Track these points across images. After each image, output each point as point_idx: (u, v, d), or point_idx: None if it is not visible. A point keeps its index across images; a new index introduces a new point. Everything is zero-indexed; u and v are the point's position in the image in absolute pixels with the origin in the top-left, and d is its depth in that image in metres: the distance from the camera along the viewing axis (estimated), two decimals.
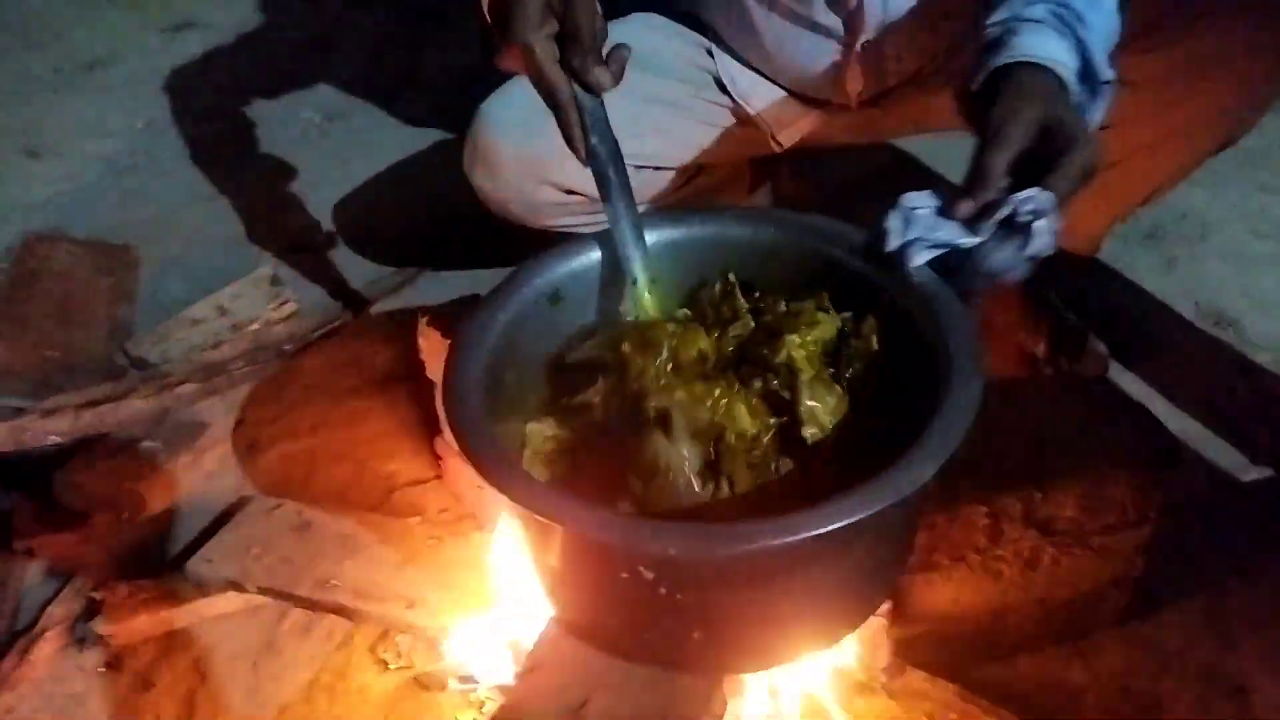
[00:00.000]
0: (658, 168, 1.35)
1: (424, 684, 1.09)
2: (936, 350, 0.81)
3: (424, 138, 2.01)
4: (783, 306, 0.90)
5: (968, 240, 0.82)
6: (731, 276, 0.94)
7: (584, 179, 1.27)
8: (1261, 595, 1.18)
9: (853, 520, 0.68)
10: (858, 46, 1.22)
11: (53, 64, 2.35)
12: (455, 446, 0.77)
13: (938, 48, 1.23)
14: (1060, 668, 1.12)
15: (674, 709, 0.83)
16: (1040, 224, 0.80)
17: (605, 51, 0.88)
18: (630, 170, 1.30)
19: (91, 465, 1.28)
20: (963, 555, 1.02)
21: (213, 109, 2.13)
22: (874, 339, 0.86)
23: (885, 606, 0.99)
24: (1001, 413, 1.06)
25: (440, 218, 1.75)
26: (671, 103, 1.31)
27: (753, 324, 0.90)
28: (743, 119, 1.35)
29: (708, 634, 0.78)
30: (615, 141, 0.90)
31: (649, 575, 0.72)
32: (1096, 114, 0.92)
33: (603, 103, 0.89)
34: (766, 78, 1.31)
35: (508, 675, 1.01)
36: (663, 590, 0.74)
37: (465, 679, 1.07)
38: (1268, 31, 1.11)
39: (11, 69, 2.34)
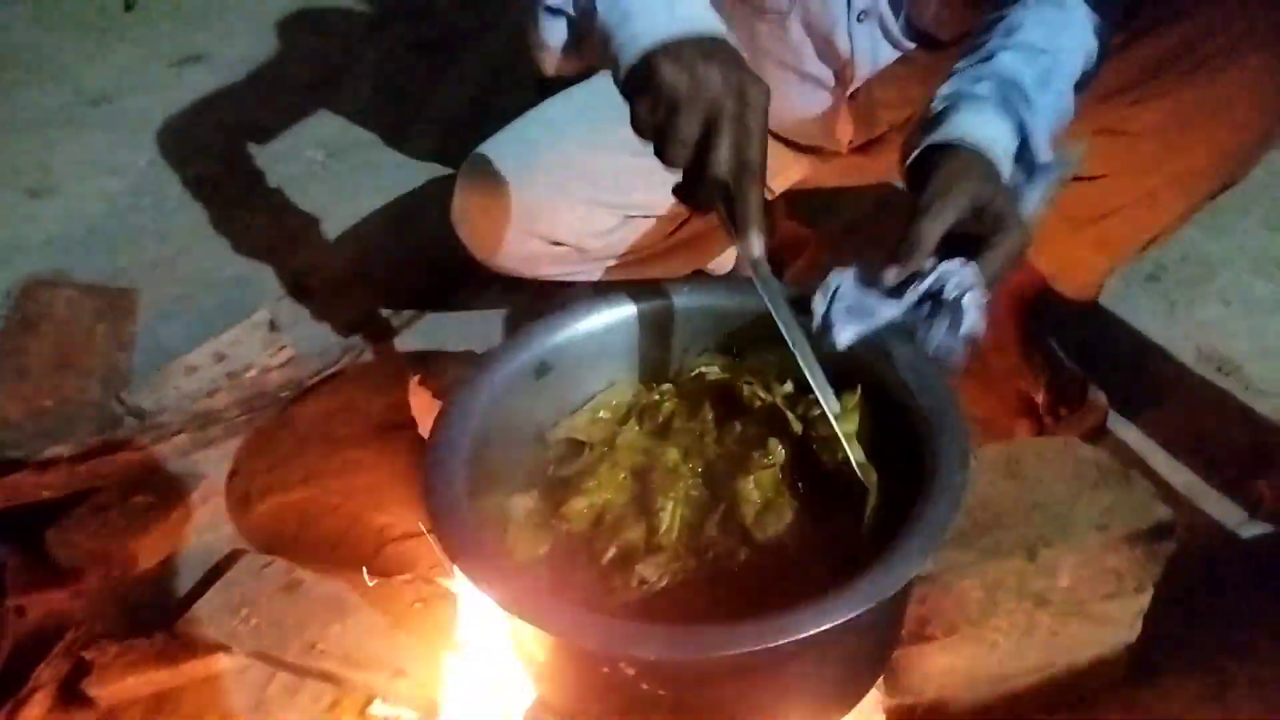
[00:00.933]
0: (647, 215, 1.34)
1: None
2: (922, 430, 0.80)
3: (429, 173, 2.02)
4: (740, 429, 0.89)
5: (891, 311, 0.82)
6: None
7: (571, 231, 1.29)
8: (1262, 658, 1.16)
9: (835, 624, 0.67)
10: (847, 96, 1.22)
11: (59, 99, 2.36)
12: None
13: (929, 97, 1.23)
14: None
15: None
16: (968, 299, 0.80)
17: None
18: (623, 220, 1.31)
19: (83, 520, 1.29)
20: (956, 627, 1.00)
21: (217, 146, 2.14)
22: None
23: (879, 680, 0.98)
24: (994, 479, 1.05)
25: (444, 256, 1.74)
26: None
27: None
28: None
29: None
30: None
31: (630, 671, 0.71)
32: (1034, 194, 0.91)
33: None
34: None
35: None
36: (645, 686, 0.73)
37: None
38: (1268, 76, 1.10)
39: (18, 104, 2.35)
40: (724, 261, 1.53)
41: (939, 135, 0.89)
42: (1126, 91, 1.14)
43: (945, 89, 0.94)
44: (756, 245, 0.82)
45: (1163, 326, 1.63)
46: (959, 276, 0.81)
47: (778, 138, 1.31)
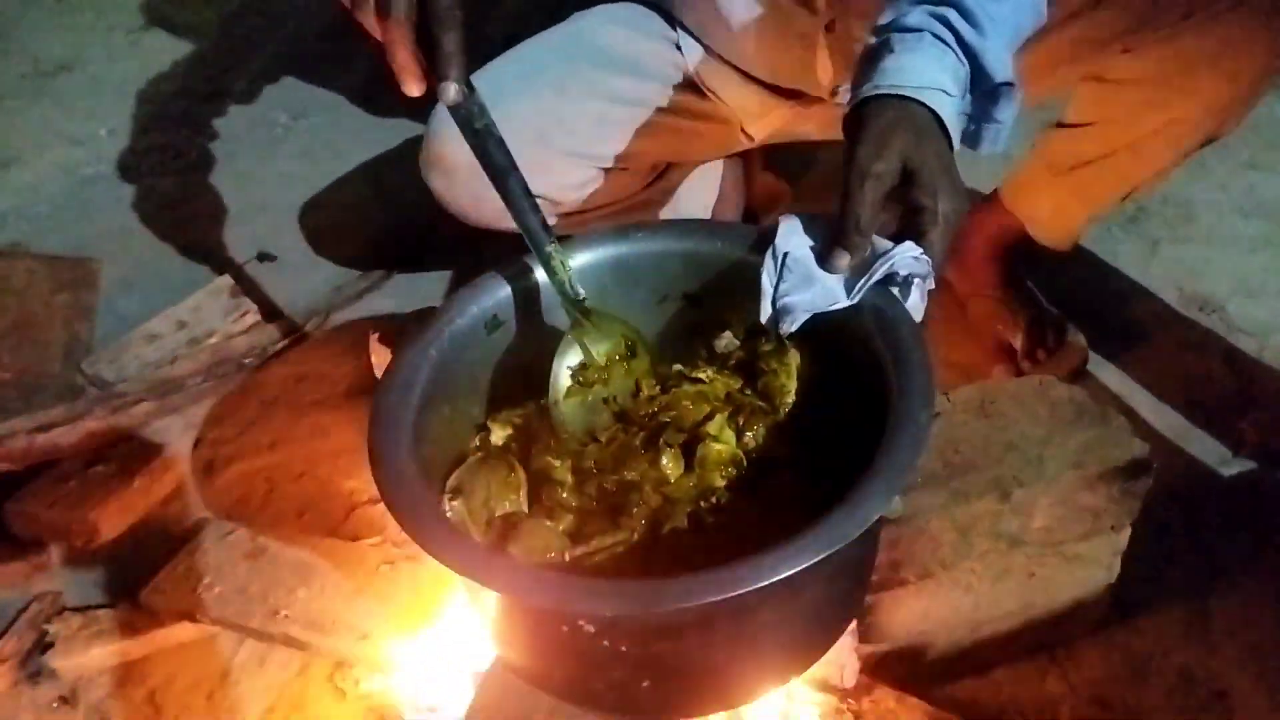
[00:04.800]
0: (625, 169, 1.31)
1: (381, 713, 1.06)
2: (886, 371, 0.77)
3: (395, 134, 1.97)
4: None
5: (841, 304, 0.79)
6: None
7: (545, 183, 1.24)
8: (1242, 596, 1.15)
9: (798, 569, 0.64)
10: (824, 28, 1.17)
11: (17, 70, 2.31)
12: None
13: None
14: (1035, 678, 1.09)
15: None
16: (915, 286, 0.78)
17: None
18: (598, 171, 1.28)
19: (42, 492, 1.26)
20: (930, 571, 0.98)
21: (178, 112, 2.09)
22: (790, 373, 0.83)
23: (852, 626, 0.96)
24: (967, 420, 1.02)
25: (412, 217, 1.71)
26: (640, 102, 1.27)
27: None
28: (712, 115, 1.30)
29: (657, 682, 0.75)
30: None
31: (590, 629, 0.69)
32: (1005, 114, 0.86)
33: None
34: (738, 70, 1.27)
35: (464, 705, 0.99)
36: (606, 643, 0.70)
37: (423, 709, 1.04)
38: (1258, 29, 1.07)
39: None
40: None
41: (868, 87, 0.83)
42: (1117, 39, 1.10)
43: (882, 19, 0.87)
44: (451, 92, 0.71)
45: (1144, 267, 1.61)
46: (909, 268, 0.78)
47: (757, 81, 1.27)
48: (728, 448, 0.81)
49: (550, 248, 0.82)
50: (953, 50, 0.83)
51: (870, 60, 0.85)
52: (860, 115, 0.82)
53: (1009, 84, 0.85)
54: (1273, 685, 1.07)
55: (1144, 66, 1.10)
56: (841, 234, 0.79)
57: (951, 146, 0.82)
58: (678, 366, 0.89)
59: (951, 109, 0.82)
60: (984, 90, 0.86)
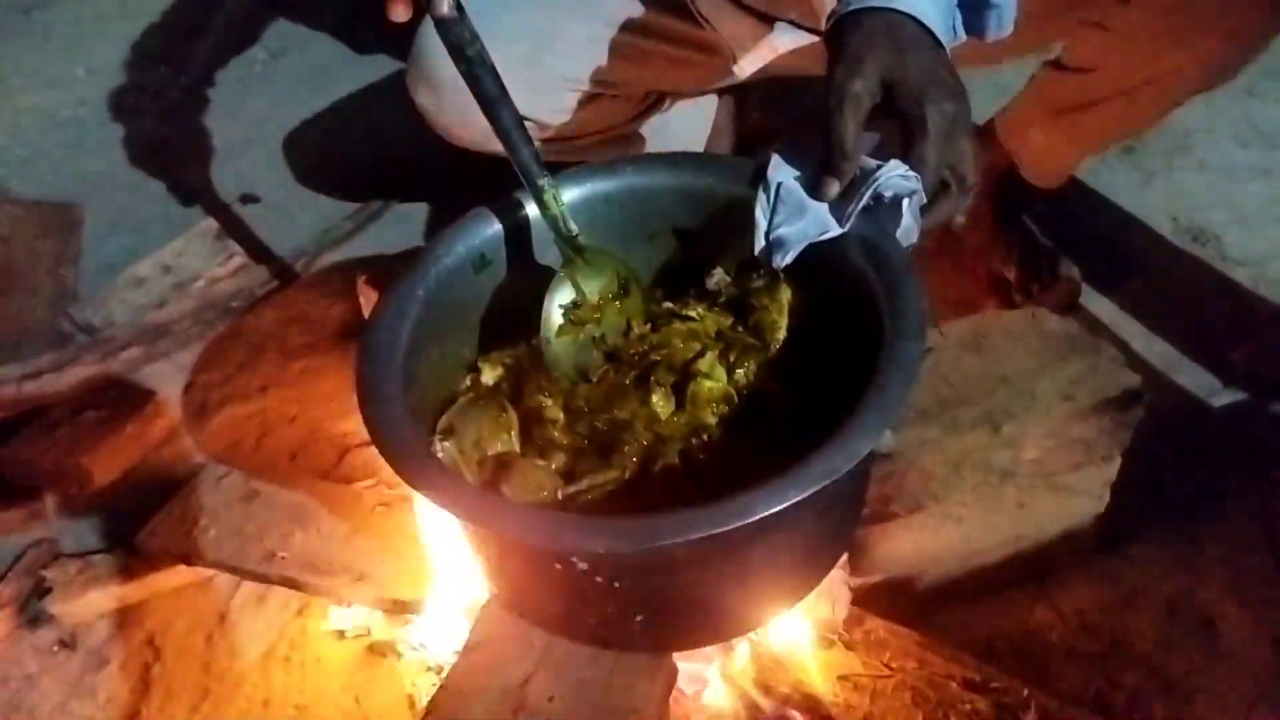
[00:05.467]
0: (613, 95, 1.28)
1: (380, 652, 1.08)
2: (878, 305, 0.77)
3: (378, 68, 1.93)
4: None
5: (832, 231, 0.78)
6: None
7: (532, 105, 1.21)
8: (1231, 526, 1.16)
9: (790, 503, 0.64)
10: None
11: None
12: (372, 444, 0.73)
13: None
14: (1024, 608, 1.11)
15: (619, 682, 0.81)
16: (905, 206, 0.77)
17: None
18: (585, 97, 1.25)
19: (34, 439, 1.26)
20: (921, 504, 0.99)
21: (156, 51, 2.04)
22: (782, 309, 0.82)
23: (844, 559, 0.97)
24: (958, 354, 1.02)
25: (398, 150, 1.68)
26: (630, 26, 1.24)
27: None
28: (705, 46, 1.27)
29: (650, 617, 0.76)
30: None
31: (583, 566, 0.69)
32: (1005, 19, 0.84)
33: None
34: None
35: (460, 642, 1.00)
36: (599, 579, 0.71)
37: (420, 646, 1.06)
38: None
39: None
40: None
41: (845, 3, 0.80)
42: None
43: None
44: (444, 4, 0.73)
45: (1139, 198, 1.59)
46: (895, 188, 0.76)
47: (750, 9, 1.24)
48: (719, 385, 0.81)
49: (543, 181, 0.81)
50: None
51: None
52: (839, 34, 0.80)
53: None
54: (1259, 614, 1.08)
55: (1144, 18, 1.08)
56: (827, 161, 0.78)
57: (943, 49, 0.80)
58: (668, 304, 0.88)
59: (934, 11, 0.80)
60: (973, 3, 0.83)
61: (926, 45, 0.79)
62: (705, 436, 0.79)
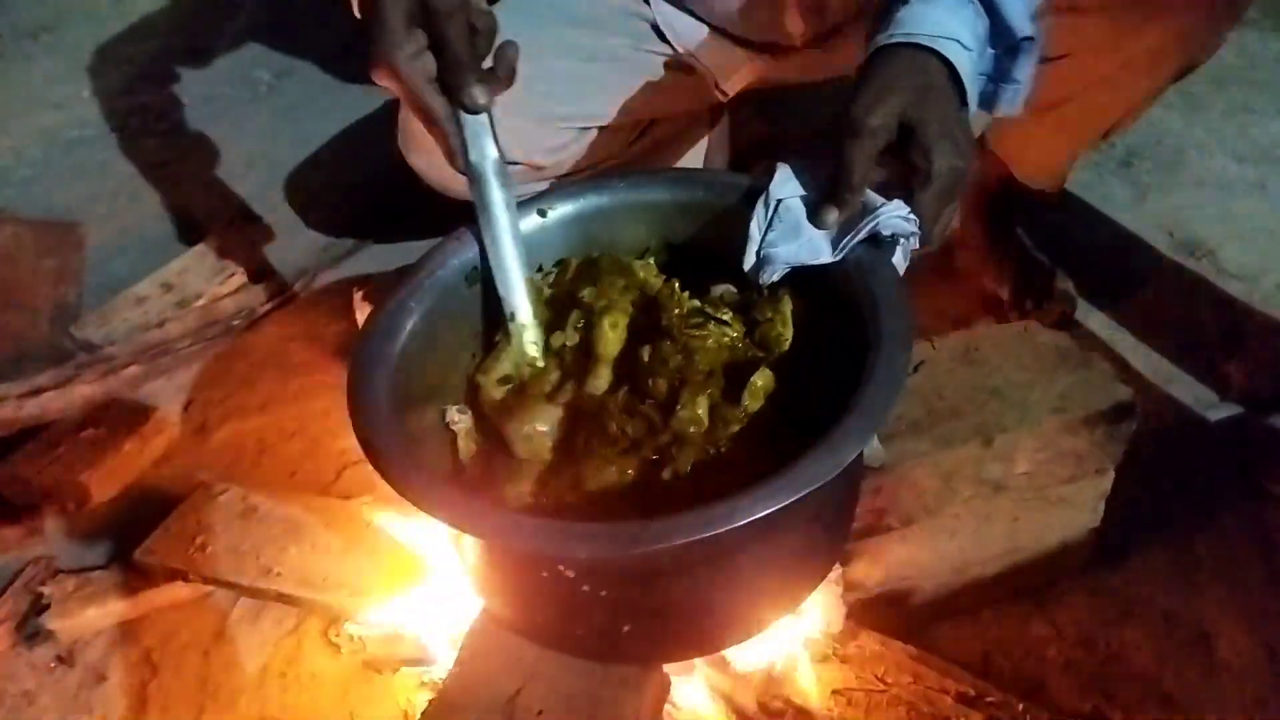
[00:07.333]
0: (603, 128, 1.29)
1: (376, 667, 1.08)
2: (865, 314, 0.77)
3: (379, 91, 1.94)
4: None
5: (823, 259, 0.79)
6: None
7: (524, 149, 1.23)
8: (1226, 539, 1.16)
9: (777, 508, 0.64)
10: None
11: None
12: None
13: None
14: (1020, 621, 1.10)
15: (608, 695, 0.81)
16: (901, 245, 0.78)
17: (492, 51, 0.80)
18: (576, 133, 1.26)
19: (33, 457, 1.26)
20: (914, 517, 0.99)
21: (159, 73, 2.06)
22: (786, 320, 0.82)
23: (837, 572, 0.97)
24: (951, 367, 1.02)
25: (397, 179, 1.70)
26: (610, 57, 1.25)
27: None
28: (685, 68, 1.29)
29: (638, 627, 0.76)
30: (501, 156, 0.83)
31: (569, 574, 0.70)
32: (1023, 72, 0.84)
33: (490, 115, 0.81)
34: (707, 24, 1.25)
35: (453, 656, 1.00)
36: (586, 588, 0.71)
37: (416, 661, 1.06)
38: None
39: None
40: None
41: (881, 37, 0.80)
42: None
43: None
44: (479, 94, 0.79)
45: (1135, 213, 1.60)
46: (895, 228, 0.77)
47: (727, 35, 1.26)
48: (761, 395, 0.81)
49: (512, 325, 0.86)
50: (971, 1, 0.81)
51: (886, 10, 0.82)
52: (871, 62, 0.80)
53: (1029, 39, 0.82)
54: (1255, 626, 1.08)
55: None
56: (833, 189, 0.78)
57: (965, 103, 0.80)
58: (695, 303, 0.88)
59: (968, 62, 0.79)
60: (1003, 46, 0.83)
61: (952, 99, 0.79)
62: (721, 447, 0.79)
